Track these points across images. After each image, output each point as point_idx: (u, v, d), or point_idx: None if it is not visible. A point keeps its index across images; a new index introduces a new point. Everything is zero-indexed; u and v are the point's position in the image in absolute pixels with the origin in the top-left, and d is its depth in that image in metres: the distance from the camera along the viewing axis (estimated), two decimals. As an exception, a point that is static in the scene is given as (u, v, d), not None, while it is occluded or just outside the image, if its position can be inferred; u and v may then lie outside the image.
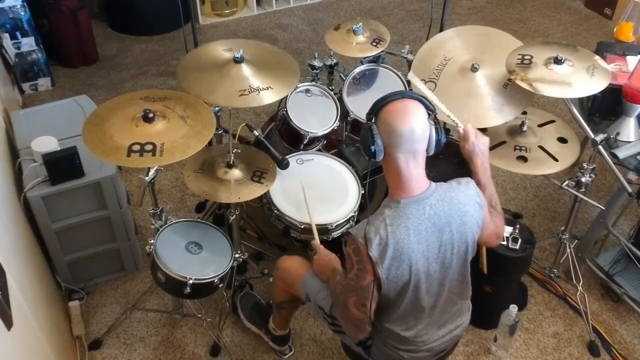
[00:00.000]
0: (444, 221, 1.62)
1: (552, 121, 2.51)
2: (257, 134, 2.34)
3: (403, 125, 1.56)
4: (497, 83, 2.30)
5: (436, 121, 1.63)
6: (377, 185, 2.57)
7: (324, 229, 2.22)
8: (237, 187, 2.17)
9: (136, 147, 1.85)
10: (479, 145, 1.86)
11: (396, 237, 1.56)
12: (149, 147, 1.85)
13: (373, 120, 1.61)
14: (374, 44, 2.70)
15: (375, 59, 2.79)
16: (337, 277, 1.80)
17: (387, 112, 1.58)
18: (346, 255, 1.64)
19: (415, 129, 1.56)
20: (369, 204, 2.53)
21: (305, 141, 2.52)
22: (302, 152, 2.51)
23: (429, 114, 1.62)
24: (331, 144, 2.65)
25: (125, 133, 1.89)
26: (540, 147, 2.39)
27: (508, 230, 2.35)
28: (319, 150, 2.59)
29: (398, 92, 1.62)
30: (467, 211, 1.65)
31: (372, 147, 1.59)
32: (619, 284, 2.60)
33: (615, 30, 3.03)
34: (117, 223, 2.53)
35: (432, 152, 1.64)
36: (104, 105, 2.02)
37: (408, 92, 1.63)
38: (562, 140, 2.43)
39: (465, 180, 1.73)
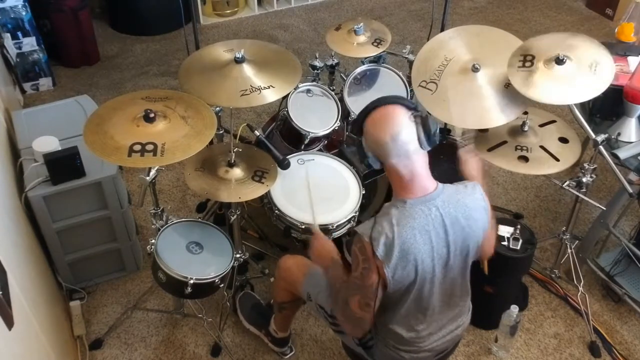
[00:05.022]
0: (450, 223, 1.62)
1: (553, 121, 2.51)
2: (258, 134, 2.34)
3: (385, 135, 1.57)
4: (499, 83, 2.29)
5: (421, 116, 1.60)
6: (378, 185, 2.57)
7: (324, 229, 2.22)
8: (237, 187, 2.17)
9: (137, 147, 1.85)
10: (470, 168, 1.90)
11: (403, 237, 1.56)
12: (150, 147, 1.86)
13: (361, 135, 1.65)
14: (375, 44, 2.70)
15: (376, 59, 2.79)
16: (338, 269, 1.76)
17: (369, 125, 1.61)
18: (352, 254, 1.63)
19: (398, 134, 1.56)
20: (370, 204, 2.54)
21: (306, 141, 2.52)
22: (303, 152, 2.51)
23: (411, 112, 1.60)
24: (332, 144, 2.65)
25: (126, 133, 1.89)
26: (542, 147, 2.39)
27: (509, 230, 2.35)
28: (319, 150, 2.59)
29: (376, 100, 1.62)
30: (472, 215, 1.65)
31: (366, 160, 1.64)
32: (620, 285, 2.60)
33: (616, 30, 3.04)
34: (118, 223, 2.53)
35: (428, 148, 1.61)
36: (105, 105, 2.02)
37: (384, 98, 1.62)
38: (563, 140, 2.43)
39: (472, 183, 1.72)
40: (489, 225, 1.73)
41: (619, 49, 2.67)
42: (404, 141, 1.57)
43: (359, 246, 1.59)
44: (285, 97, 2.49)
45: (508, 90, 2.27)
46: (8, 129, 2.67)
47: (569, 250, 2.60)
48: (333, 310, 1.85)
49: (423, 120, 1.60)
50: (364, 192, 2.35)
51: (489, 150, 2.39)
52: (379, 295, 1.60)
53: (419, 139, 1.59)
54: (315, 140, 2.58)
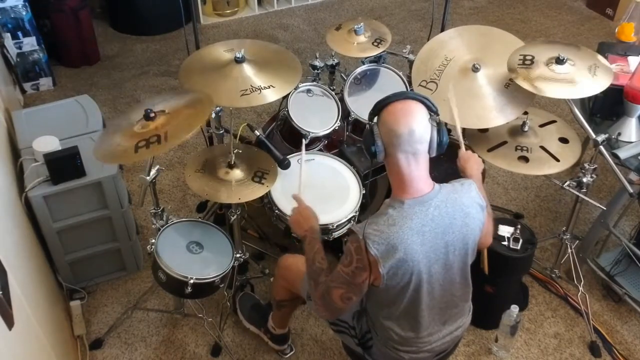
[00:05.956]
0: (448, 222, 1.62)
1: (554, 121, 2.51)
2: (258, 134, 2.34)
3: (402, 126, 1.56)
4: (499, 83, 2.30)
5: (438, 122, 1.63)
6: (378, 185, 2.57)
7: (325, 229, 2.22)
8: (238, 188, 2.17)
9: (142, 144, 1.87)
10: (472, 168, 1.91)
11: (400, 237, 1.56)
12: (153, 139, 1.87)
13: (375, 121, 1.64)
14: (375, 44, 2.70)
15: (377, 59, 2.78)
16: (323, 264, 1.73)
17: (388, 113, 1.60)
18: (346, 250, 1.63)
19: (414, 130, 1.57)
20: (370, 204, 2.54)
21: (307, 141, 2.52)
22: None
23: (430, 115, 1.62)
24: (332, 144, 2.65)
25: (130, 137, 1.92)
26: (542, 147, 2.39)
27: (509, 230, 2.35)
28: (320, 150, 2.59)
29: (400, 92, 1.63)
30: (469, 213, 1.66)
31: (373, 147, 1.61)
32: (620, 285, 2.60)
33: (616, 30, 3.03)
34: (118, 223, 2.54)
35: (433, 154, 1.64)
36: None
37: (411, 93, 1.64)
38: (563, 140, 2.43)
39: (468, 181, 1.73)
40: (485, 220, 1.74)
41: (619, 49, 2.67)
42: (417, 140, 1.58)
43: (355, 246, 1.59)
44: (286, 97, 2.49)
45: (508, 90, 2.28)
46: (8, 128, 2.67)
47: (569, 250, 2.60)
48: (309, 292, 1.79)
49: (439, 125, 1.62)
50: (364, 192, 2.35)
51: (489, 150, 2.39)
52: (364, 290, 1.63)
53: (430, 142, 1.61)
54: (316, 140, 2.58)
